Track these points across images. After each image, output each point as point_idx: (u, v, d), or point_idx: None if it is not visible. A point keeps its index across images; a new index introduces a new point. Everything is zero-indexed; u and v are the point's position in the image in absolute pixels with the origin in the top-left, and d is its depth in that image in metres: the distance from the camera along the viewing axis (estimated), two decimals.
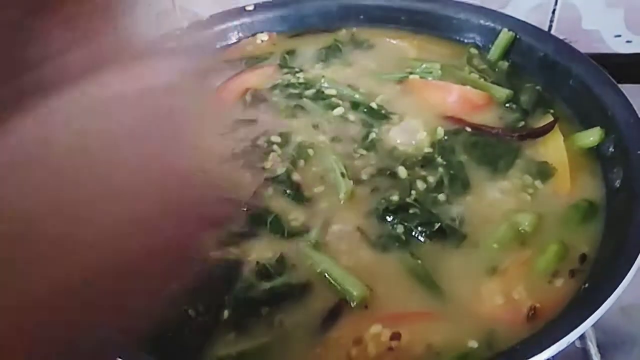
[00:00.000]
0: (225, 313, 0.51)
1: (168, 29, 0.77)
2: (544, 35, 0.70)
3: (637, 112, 0.82)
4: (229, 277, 0.54)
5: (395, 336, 0.48)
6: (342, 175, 0.61)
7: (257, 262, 0.54)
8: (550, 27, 0.99)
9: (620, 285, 0.44)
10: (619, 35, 0.99)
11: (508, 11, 0.97)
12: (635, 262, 0.46)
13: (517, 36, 0.72)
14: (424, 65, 0.73)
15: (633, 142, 0.55)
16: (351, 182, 0.60)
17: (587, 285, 0.49)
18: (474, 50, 0.75)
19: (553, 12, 0.97)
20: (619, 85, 0.85)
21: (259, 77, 0.76)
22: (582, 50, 0.99)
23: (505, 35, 0.72)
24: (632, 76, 0.93)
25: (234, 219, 0.58)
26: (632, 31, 0.98)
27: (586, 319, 0.42)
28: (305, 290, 0.52)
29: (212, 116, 0.69)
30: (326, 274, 0.53)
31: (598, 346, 0.57)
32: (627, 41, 0.99)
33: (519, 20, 0.72)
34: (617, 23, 0.97)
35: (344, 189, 0.59)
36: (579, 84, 0.65)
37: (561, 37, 1.00)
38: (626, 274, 0.45)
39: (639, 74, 0.96)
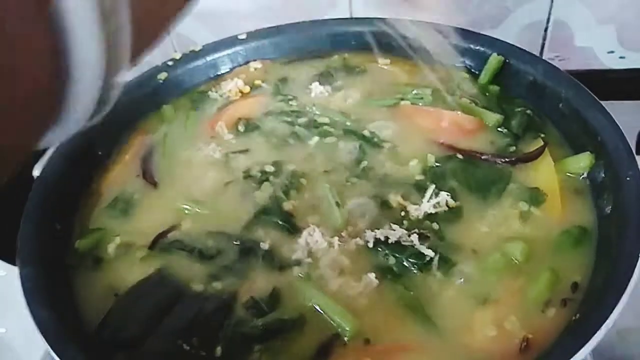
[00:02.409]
0: (218, 350, 0.51)
1: (162, 56, 0.79)
2: (533, 59, 0.70)
3: (633, 128, 0.84)
4: (222, 311, 0.54)
5: None
6: (337, 204, 0.61)
7: (251, 297, 0.54)
8: (543, 45, 1.00)
9: (609, 318, 0.44)
10: (612, 52, 0.99)
11: (501, 30, 0.98)
12: (625, 294, 0.45)
13: (507, 60, 0.72)
14: (414, 91, 0.73)
15: (622, 168, 0.55)
16: (345, 211, 0.60)
17: (578, 316, 0.48)
18: (464, 74, 0.75)
19: (545, 30, 0.98)
20: (614, 102, 0.85)
21: (252, 106, 0.76)
22: (576, 67, 1.01)
23: (494, 60, 0.72)
24: (626, 92, 0.94)
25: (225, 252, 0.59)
26: (625, 47, 0.98)
27: (576, 352, 0.42)
28: (298, 325, 0.52)
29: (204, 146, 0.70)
30: (318, 308, 0.53)
31: None
32: (621, 57, 1.00)
33: (508, 44, 0.73)
34: (610, 39, 0.98)
35: (338, 219, 0.60)
36: (568, 108, 0.65)
37: (554, 55, 1.01)
38: (615, 307, 0.44)
39: (633, 90, 0.97)
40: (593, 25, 0.96)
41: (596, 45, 0.99)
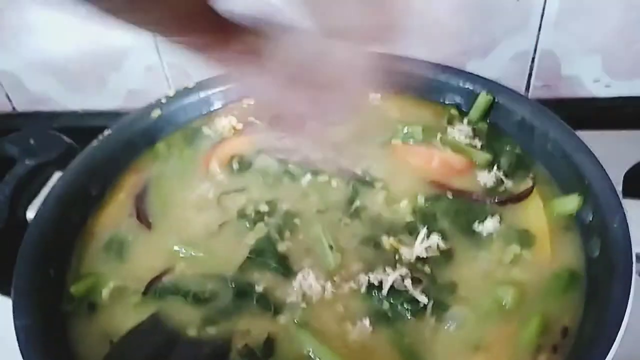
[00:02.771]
0: None
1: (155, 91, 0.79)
2: (521, 99, 0.72)
3: (619, 160, 0.85)
4: (218, 357, 0.54)
5: None
6: (330, 247, 0.61)
7: (245, 345, 0.55)
8: (530, 73, 1.01)
9: None
10: (598, 80, 1.01)
11: (490, 59, 1.00)
12: (615, 343, 0.46)
13: (495, 99, 0.73)
14: (405, 129, 0.74)
15: (610, 213, 0.56)
16: (339, 255, 0.61)
17: None
18: (454, 112, 0.77)
19: (533, 60, 0.99)
20: (601, 132, 0.87)
21: (245, 143, 0.77)
22: (563, 95, 1.02)
23: (483, 98, 0.74)
24: (611, 120, 0.95)
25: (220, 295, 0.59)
26: (610, 76, 1.00)
27: None
28: None
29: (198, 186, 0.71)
30: (313, 356, 0.53)
31: None
32: (606, 85, 1.01)
33: (496, 83, 0.74)
34: (596, 68, 0.99)
35: (331, 263, 0.60)
36: (556, 148, 0.66)
37: (542, 84, 1.03)
38: (606, 356, 0.45)
39: (618, 118, 0.99)
40: (579, 54, 0.98)
41: (582, 74, 1.01)
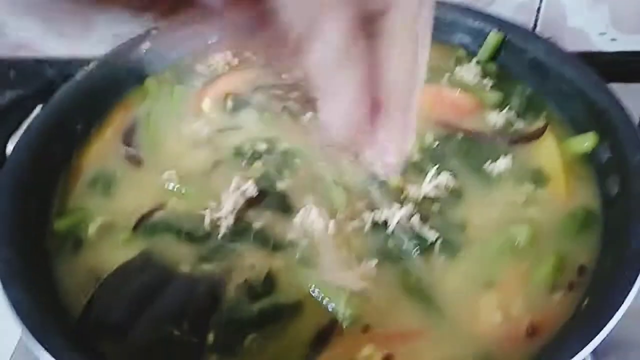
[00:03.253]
0: (211, 336, 0.48)
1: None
2: (534, 37, 0.69)
3: None
4: (214, 294, 0.51)
5: (388, 358, 0.46)
6: (335, 183, 0.58)
7: (245, 280, 0.51)
8: (535, 25, 0.98)
9: (624, 303, 0.42)
10: (604, 33, 0.98)
11: (493, 10, 0.96)
12: (636, 282, 0.44)
13: (506, 37, 0.70)
14: None
15: (630, 149, 0.54)
16: (344, 191, 0.58)
17: (588, 300, 0.47)
18: (462, 52, 0.73)
19: (538, 10, 0.96)
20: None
21: (241, 80, 0.73)
22: (568, 49, 0.99)
23: (493, 37, 0.70)
24: (616, 74, 0.92)
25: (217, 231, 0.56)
26: (616, 29, 0.97)
27: (592, 339, 0.41)
28: (295, 311, 0.49)
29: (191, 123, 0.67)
30: (316, 292, 0.50)
31: (592, 351, 0.56)
32: (612, 39, 0.98)
33: (508, 21, 0.70)
34: (602, 20, 0.96)
35: (337, 199, 0.57)
36: (571, 87, 0.63)
37: (546, 36, 0.99)
38: (629, 291, 0.43)
39: (624, 72, 0.96)
40: (586, 4, 0.94)
41: (588, 27, 0.98)
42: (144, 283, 0.52)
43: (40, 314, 0.47)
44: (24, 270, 0.50)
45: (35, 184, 0.59)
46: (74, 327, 0.49)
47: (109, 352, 0.48)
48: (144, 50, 0.73)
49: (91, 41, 1.03)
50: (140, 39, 0.73)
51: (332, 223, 0.55)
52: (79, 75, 0.68)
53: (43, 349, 0.43)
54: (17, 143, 0.60)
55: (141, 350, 0.48)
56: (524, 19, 0.97)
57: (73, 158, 0.64)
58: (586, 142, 0.59)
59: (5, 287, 0.47)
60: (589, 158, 0.59)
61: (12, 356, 0.59)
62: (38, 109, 0.66)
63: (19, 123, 0.65)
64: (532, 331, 0.47)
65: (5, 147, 0.63)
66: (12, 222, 0.54)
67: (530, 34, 0.69)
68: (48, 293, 0.51)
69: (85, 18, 0.99)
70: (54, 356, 0.43)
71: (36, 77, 0.70)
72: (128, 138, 0.66)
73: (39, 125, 0.62)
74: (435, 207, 0.56)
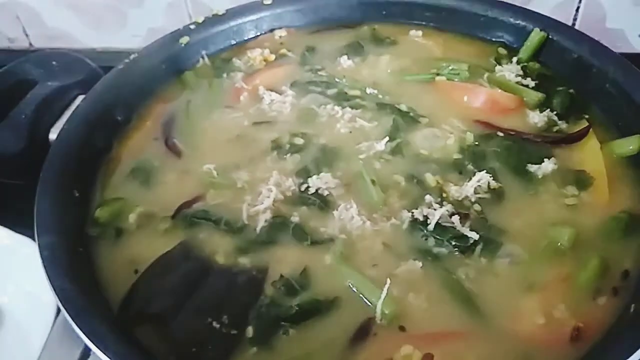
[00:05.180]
0: (250, 330, 0.48)
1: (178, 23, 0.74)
2: (579, 36, 0.67)
3: None
4: (253, 288, 0.51)
5: (428, 358, 0.46)
6: (373, 182, 0.58)
7: (281, 276, 0.51)
8: (573, 24, 0.96)
9: None
10: None
11: (532, 7, 0.94)
12: None
13: (549, 36, 0.68)
14: (450, 67, 0.70)
15: None
16: (382, 190, 0.57)
17: (634, 306, 0.46)
18: (502, 50, 0.72)
19: (577, 10, 0.94)
20: None
21: (278, 75, 0.73)
22: None
23: (536, 35, 0.69)
24: None
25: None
26: None
27: None
28: (332, 307, 0.49)
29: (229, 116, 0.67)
30: (354, 289, 0.50)
31: None
32: None
33: (551, 19, 0.69)
34: None
35: (374, 197, 0.56)
36: (616, 88, 0.62)
37: None
38: None
39: None
40: (627, 6, 0.92)
41: (627, 28, 0.96)
42: (184, 274, 0.53)
43: (82, 301, 0.47)
44: (66, 256, 0.51)
45: (77, 172, 0.59)
46: (115, 315, 0.50)
47: (148, 341, 0.48)
48: (182, 44, 0.73)
49: (126, 34, 1.04)
50: (179, 33, 0.74)
51: (369, 221, 0.55)
52: (119, 67, 0.68)
53: (84, 335, 0.44)
54: (60, 132, 0.61)
55: (181, 340, 0.48)
56: (562, 18, 0.95)
57: (114, 148, 0.65)
58: (631, 145, 0.58)
59: (48, 274, 0.48)
60: (634, 161, 0.58)
61: (49, 334, 0.59)
62: (79, 100, 0.67)
63: (61, 113, 0.66)
64: (577, 335, 0.46)
65: (47, 135, 0.64)
66: (55, 210, 0.54)
67: (574, 32, 0.68)
68: (89, 280, 0.52)
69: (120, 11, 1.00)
70: (95, 343, 0.44)
71: (77, 68, 0.70)
72: (167, 130, 0.67)
73: (81, 116, 0.63)
74: (475, 207, 0.55)
